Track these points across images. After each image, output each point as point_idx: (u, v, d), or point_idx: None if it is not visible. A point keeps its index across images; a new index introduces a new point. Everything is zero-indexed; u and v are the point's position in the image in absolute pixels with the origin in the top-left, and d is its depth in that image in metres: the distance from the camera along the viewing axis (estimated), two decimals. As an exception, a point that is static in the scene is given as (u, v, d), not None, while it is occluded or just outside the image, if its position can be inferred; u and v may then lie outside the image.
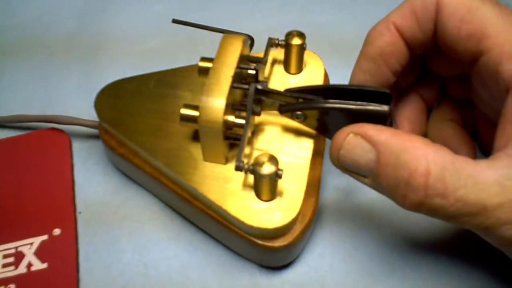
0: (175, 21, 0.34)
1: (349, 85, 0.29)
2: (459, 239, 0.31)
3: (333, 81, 0.34)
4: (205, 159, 0.29)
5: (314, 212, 0.29)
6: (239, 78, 0.29)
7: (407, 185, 0.23)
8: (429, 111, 0.34)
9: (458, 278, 0.30)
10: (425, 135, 0.34)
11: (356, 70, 0.29)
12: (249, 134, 0.28)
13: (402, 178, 0.23)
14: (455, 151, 0.32)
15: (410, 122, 0.32)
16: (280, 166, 0.26)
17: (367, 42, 0.29)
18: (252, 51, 0.32)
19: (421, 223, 0.32)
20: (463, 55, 0.26)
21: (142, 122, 0.31)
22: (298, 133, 0.30)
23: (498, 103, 0.25)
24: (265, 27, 0.43)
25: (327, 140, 0.30)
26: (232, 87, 0.27)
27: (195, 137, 0.30)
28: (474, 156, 0.32)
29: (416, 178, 0.22)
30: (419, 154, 0.23)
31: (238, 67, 0.28)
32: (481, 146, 0.34)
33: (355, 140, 0.25)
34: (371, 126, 0.25)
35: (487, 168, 0.22)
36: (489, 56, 0.25)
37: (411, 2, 0.27)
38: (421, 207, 0.23)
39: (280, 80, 0.32)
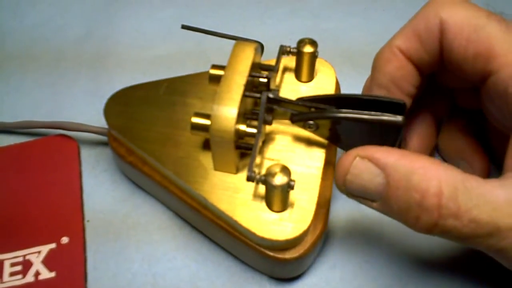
0: (184, 27, 0.33)
1: (362, 94, 0.29)
2: (474, 254, 0.31)
3: (344, 89, 0.34)
4: (216, 169, 0.29)
5: (326, 224, 0.28)
6: (251, 86, 0.29)
7: (420, 206, 0.22)
8: (438, 123, 0.33)
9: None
10: (435, 148, 0.34)
11: None
12: (260, 143, 0.28)
13: (414, 200, 0.22)
14: (469, 162, 0.31)
15: (419, 136, 0.32)
16: (291, 177, 0.25)
17: (375, 69, 0.28)
18: (261, 58, 0.32)
19: (434, 237, 0.31)
20: (471, 74, 0.25)
21: (151, 130, 0.31)
22: (309, 142, 0.30)
23: (509, 121, 0.25)
24: (275, 33, 0.42)
25: (339, 150, 0.30)
26: (243, 96, 0.27)
27: (205, 145, 0.30)
28: (488, 167, 0.32)
29: (429, 199, 0.22)
30: (430, 174, 0.22)
31: (249, 75, 0.28)
32: (494, 156, 0.33)
33: (362, 164, 0.24)
34: (378, 148, 0.24)
35: (498, 188, 0.22)
36: (498, 77, 0.24)
37: (413, 25, 0.27)
38: (434, 229, 0.23)
39: (291, 88, 0.32)
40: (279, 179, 0.25)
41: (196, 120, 0.28)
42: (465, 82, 0.29)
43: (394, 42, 0.27)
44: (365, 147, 0.24)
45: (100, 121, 0.33)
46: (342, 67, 0.36)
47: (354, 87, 0.32)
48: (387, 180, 0.23)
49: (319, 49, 0.31)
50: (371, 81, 0.28)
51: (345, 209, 0.33)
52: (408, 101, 0.28)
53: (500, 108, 0.25)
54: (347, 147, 0.28)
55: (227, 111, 0.26)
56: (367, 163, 0.24)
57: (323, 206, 0.28)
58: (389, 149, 0.24)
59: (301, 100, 0.28)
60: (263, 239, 0.27)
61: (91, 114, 0.36)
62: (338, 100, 0.28)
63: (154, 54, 0.41)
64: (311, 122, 0.28)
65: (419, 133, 0.31)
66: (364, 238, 0.32)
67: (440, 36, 0.26)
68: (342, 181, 0.25)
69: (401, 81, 0.27)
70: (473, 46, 0.24)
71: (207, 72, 0.30)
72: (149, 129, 0.31)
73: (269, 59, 0.32)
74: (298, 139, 0.30)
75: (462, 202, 0.22)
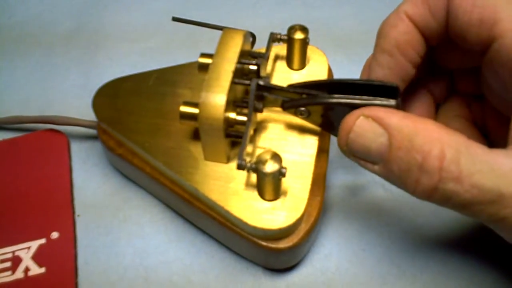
0: (175, 19, 0.33)
1: (354, 79, 0.28)
2: (471, 240, 0.30)
3: (337, 77, 0.33)
4: (206, 158, 0.28)
5: (320, 212, 0.28)
6: (241, 74, 0.28)
7: (421, 168, 0.22)
8: (437, 106, 0.33)
9: (470, 281, 0.29)
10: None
11: (374, 65, 0.28)
12: (251, 131, 0.27)
13: (415, 162, 0.22)
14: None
15: None
16: (283, 164, 0.25)
17: (380, 35, 0.27)
18: (254, 48, 0.31)
19: (432, 222, 0.31)
20: (475, 42, 0.25)
21: (140, 122, 0.30)
22: (302, 130, 0.29)
23: (510, 93, 0.24)
24: (267, 23, 0.42)
25: (332, 138, 0.29)
26: (233, 83, 0.27)
27: (196, 135, 0.29)
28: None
29: (430, 161, 0.21)
30: (433, 136, 0.22)
31: (239, 62, 0.27)
32: (490, 142, 0.32)
33: (366, 123, 0.23)
34: (383, 109, 0.24)
35: (503, 156, 0.21)
36: (502, 42, 0.24)
37: None
38: (434, 193, 0.22)
39: (283, 76, 0.32)
40: (270, 167, 0.25)
41: (184, 109, 0.27)
42: (466, 59, 0.28)
43: (402, 8, 0.27)
44: (369, 107, 0.24)
45: (91, 115, 0.32)
46: (335, 55, 0.35)
47: (347, 74, 0.32)
48: (390, 141, 0.23)
49: (311, 38, 0.30)
50: (375, 47, 0.28)
51: (340, 196, 0.32)
52: (411, 71, 0.27)
53: (501, 77, 0.25)
54: (340, 134, 0.27)
55: (215, 98, 0.26)
56: (371, 122, 0.23)
57: (317, 194, 0.28)
58: (393, 110, 0.23)
59: (292, 86, 0.28)
60: (255, 228, 0.26)
61: (81, 108, 0.36)
62: (330, 86, 0.27)
63: (144, 46, 0.41)
64: (302, 108, 0.27)
65: (418, 115, 0.31)
66: (360, 226, 0.31)
67: (448, 1, 0.25)
68: (345, 140, 0.24)
69: (406, 47, 0.27)
70: (478, 11, 0.24)
71: (197, 62, 0.29)
72: (138, 121, 0.30)
73: (261, 48, 0.31)
74: (291, 127, 0.29)
75: (465, 166, 0.21)
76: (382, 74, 0.27)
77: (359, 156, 0.24)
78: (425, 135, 0.22)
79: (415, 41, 0.27)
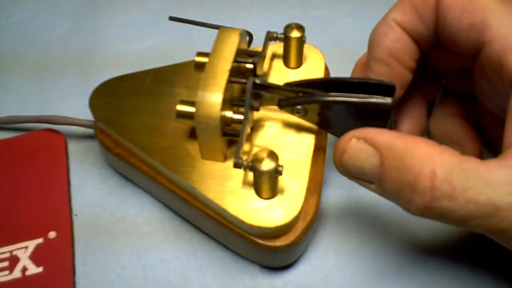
0: (172, 18, 0.33)
1: (351, 77, 0.29)
2: (469, 237, 0.30)
3: (334, 75, 0.33)
4: (203, 157, 0.28)
5: (317, 210, 0.28)
6: (237, 72, 0.28)
7: (412, 188, 0.22)
8: (429, 106, 0.33)
9: (469, 278, 0.29)
10: (426, 131, 0.33)
11: (370, 75, 0.28)
12: (248, 130, 0.27)
13: (407, 182, 0.22)
14: (461, 145, 0.31)
15: (411, 119, 0.31)
16: (280, 163, 0.25)
17: (372, 44, 0.28)
18: (250, 47, 0.31)
19: (429, 220, 0.31)
20: (464, 47, 0.25)
21: (138, 121, 0.30)
22: (298, 128, 0.29)
23: (502, 98, 0.24)
24: (264, 22, 0.42)
25: (329, 136, 0.29)
26: (229, 82, 0.27)
27: (192, 134, 0.29)
28: (481, 149, 0.31)
29: (421, 181, 0.21)
30: (424, 156, 0.22)
31: (235, 61, 0.27)
32: (486, 141, 0.32)
33: (358, 144, 0.24)
34: (374, 129, 0.24)
35: (497, 168, 0.21)
36: (492, 48, 0.23)
37: None
38: (428, 211, 0.22)
39: (279, 75, 0.32)
40: (266, 165, 0.25)
41: (181, 107, 0.27)
42: (457, 61, 0.28)
43: (390, 16, 0.27)
44: (361, 129, 0.24)
45: (88, 115, 0.32)
46: (331, 54, 0.35)
47: (343, 73, 0.32)
48: (382, 161, 0.23)
49: (308, 36, 0.30)
50: (368, 57, 0.28)
51: (337, 194, 0.32)
52: (408, 76, 0.27)
53: (493, 82, 0.25)
54: (337, 132, 0.27)
55: (212, 97, 0.26)
56: (362, 143, 0.24)
57: (314, 192, 0.28)
58: (384, 131, 0.24)
59: (289, 85, 0.28)
60: (252, 227, 0.26)
61: (79, 108, 0.36)
62: (327, 84, 0.27)
63: (141, 47, 0.41)
64: (299, 107, 0.27)
65: (410, 117, 0.31)
66: (357, 224, 0.31)
67: (436, 7, 0.25)
68: (339, 161, 0.25)
69: (400, 54, 0.27)
70: (468, 16, 0.24)
71: (194, 61, 0.29)
72: (135, 120, 0.30)
73: (258, 46, 0.31)
74: (288, 125, 0.29)
75: (458, 183, 0.21)
76: None
77: (355, 176, 0.25)
78: (415, 155, 0.22)
79: (408, 47, 0.27)
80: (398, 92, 0.27)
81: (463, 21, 0.24)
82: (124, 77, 0.33)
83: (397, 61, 0.27)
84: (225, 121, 0.27)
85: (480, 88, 0.28)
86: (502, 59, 0.23)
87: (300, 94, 0.27)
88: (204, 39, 0.40)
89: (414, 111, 0.31)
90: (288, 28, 0.30)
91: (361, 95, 0.25)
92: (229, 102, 0.27)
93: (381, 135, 0.23)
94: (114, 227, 0.31)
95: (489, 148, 0.32)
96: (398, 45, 0.27)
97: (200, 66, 0.29)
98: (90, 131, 0.34)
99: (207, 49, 0.29)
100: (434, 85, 0.32)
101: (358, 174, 0.24)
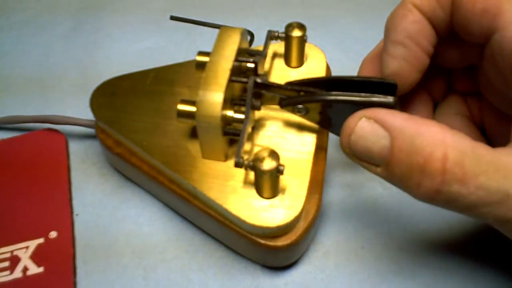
0: (173, 18, 0.33)
1: (352, 76, 0.28)
2: (471, 237, 0.30)
3: (335, 74, 0.33)
4: (204, 157, 0.28)
5: (318, 209, 0.28)
6: (238, 71, 0.28)
7: (423, 171, 0.21)
8: (434, 105, 0.33)
9: (470, 277, 0.29)
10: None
11: (386, 58, 0.27)
12: (249, 129, 0.27)
13: (417, 164, 0.21)
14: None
15: None
16: (281, 162, 0.25)
17: (390, 27, 0.27)
18: (252, 46, 0.31)
19: (431, 219, 0.31)
20: (476, 33, 0.25)
21: (138, 120, 0.30)
22: (300, 128, 0.29)
23: (511, 89, 0.24)
24: (265, 22, 0.42)
25: (331, 135, 0.29)
26: (230, 81, 0.27)
27: (193, 134, 0.29)
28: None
29: (432, 163, 0.21)
30: (436, 138, 0.21)
31: (236, 60, 0.27)
32: (488, 140, 0.32)
33: (368, 124, 0.23)
34: (385, 110, 0.23)
35: (507, 155, 0.21)
36: (503, 34, 0.23)
37: None
38: (437, 196, 0.21)
39: (281, 74, 0.31)
40: (268, 164, 0.25)
41: (182, 107, 0.27)
42: (465, 56, 0.28)
43: None
44: (371, 108, 0.24)
45: (89, 115, 0.32)
46: (333, 53, 0.35)
47: (345, 72, 0.32)
48: (392, 143, 0.22)
49: (309, 35, 0.30)
50: (385, 41, 0.27)
51: (339, 194, 0.32)
52: (426, 60, 0.27)
53: (502, 70, 0.24)
54: (338, 132, 0.27)
55: (213, 96, 0.26)
56: (373, 124, 0.23)
57: (316, 192, 0.28)
58: (396, 112, 0.23)
59: (290, 84, 0.27)
60: (254, 226, 0.26)
61: (80, 108, 0.36)
62: (328, 83, 0.27)
63: (142, 46, 0.41)
64: (300, 106, 0.27)
65: (416, 114, 0.31)
66: (359, 224, 0.31)
67: None
68: (347, 142, 0.24)
69: (417, 36, 0.26)
70: (482, 1, 0.24)
71: (195, 60, 0.29)
72: (136, 120, 0.30)
73: (259, 46, 0.31)
74: (289, 125, 0.29)
75: (470, 168, 0.21)
76: (397, 66, 0.27)
77: (361, 158, 0.24)
78: (427, 137, 0.21)
79: (426, 30, 0.26)
80: (415, 76, 0.27)
81: (477, 5, 0.24)
82: (125, 76, 0.33)
83: (415, 43, 0.26)
84: (226, 121, 0.27)
85: (487, 82, 0.27)
86: None
87: (302, 93, 0.27)
88: (205, 38, 0.40)
89: (420, 109, 0.31)
90: (290, 27, 0.30)
91: (363, 94, 0.25)
92: (230, 102, 0.27)
93: (392, 116, 0.23)
94: (115, 226, 0.31)
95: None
96: (416, 27, 0.26)
97: (201, 66, 0.29)
98: (91, 131, 0.34)
99: (208, 49, 0.29)
100: (440, 84, 0.32)
101: (366, 157, 0.23)
